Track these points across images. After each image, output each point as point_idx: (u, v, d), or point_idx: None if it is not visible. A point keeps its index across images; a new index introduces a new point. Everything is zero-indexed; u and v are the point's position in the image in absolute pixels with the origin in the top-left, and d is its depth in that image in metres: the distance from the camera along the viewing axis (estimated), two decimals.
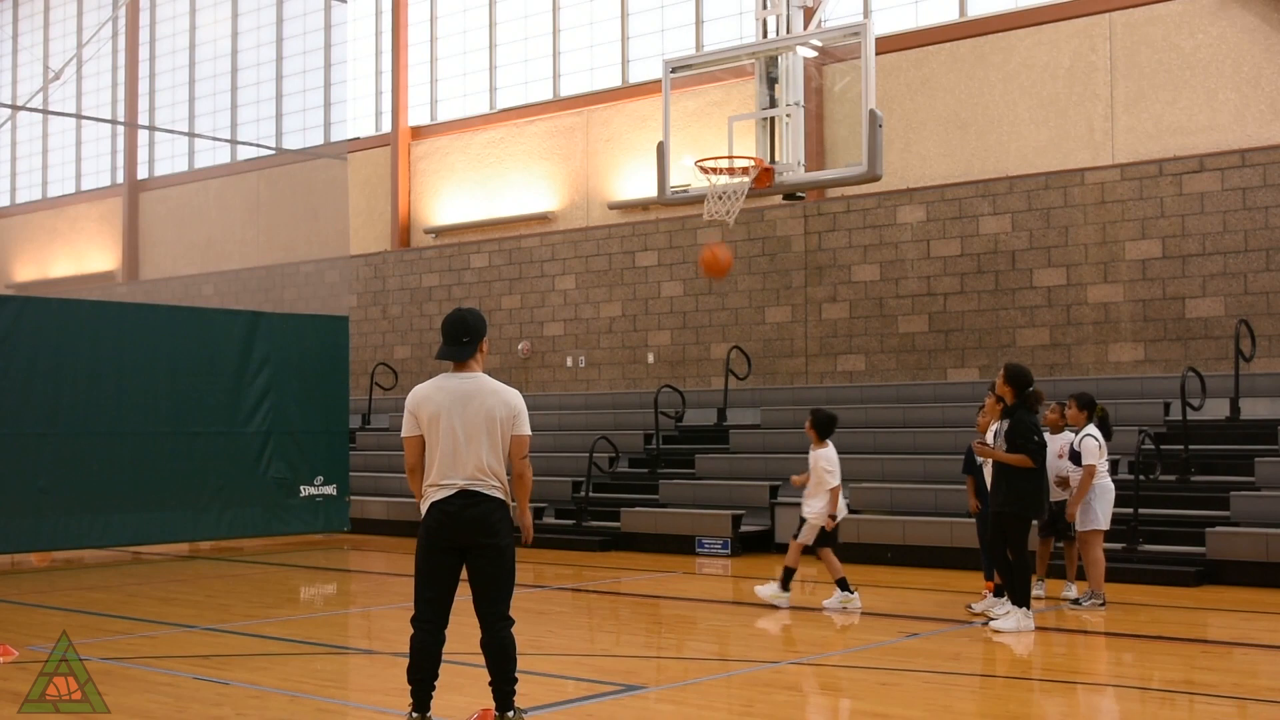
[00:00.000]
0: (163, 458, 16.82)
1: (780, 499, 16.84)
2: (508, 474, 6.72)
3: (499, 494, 6.63)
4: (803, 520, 11.82)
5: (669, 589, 13.85)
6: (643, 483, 18.60)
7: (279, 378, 18.06)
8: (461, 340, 6.77)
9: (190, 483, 17.06)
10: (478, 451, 6.58)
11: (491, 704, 6.93)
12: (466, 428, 6.59)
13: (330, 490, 18.45)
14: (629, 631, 11.46)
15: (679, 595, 13.51)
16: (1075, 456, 11.80)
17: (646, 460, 19.22)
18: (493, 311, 23.82)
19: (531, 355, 23.10)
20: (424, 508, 6.64)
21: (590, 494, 18.25)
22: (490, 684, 6.66)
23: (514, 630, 6.68)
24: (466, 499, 6.55)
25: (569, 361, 22.70)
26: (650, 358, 21.74)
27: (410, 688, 6.62)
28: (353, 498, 19.03)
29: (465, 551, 6.60)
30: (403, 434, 6.75)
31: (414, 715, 6.61)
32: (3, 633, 10.33)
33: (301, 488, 18.22)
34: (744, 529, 16.57)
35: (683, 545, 16.61)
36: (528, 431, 6.76)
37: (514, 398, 6.76)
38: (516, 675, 6.67)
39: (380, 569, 16.23)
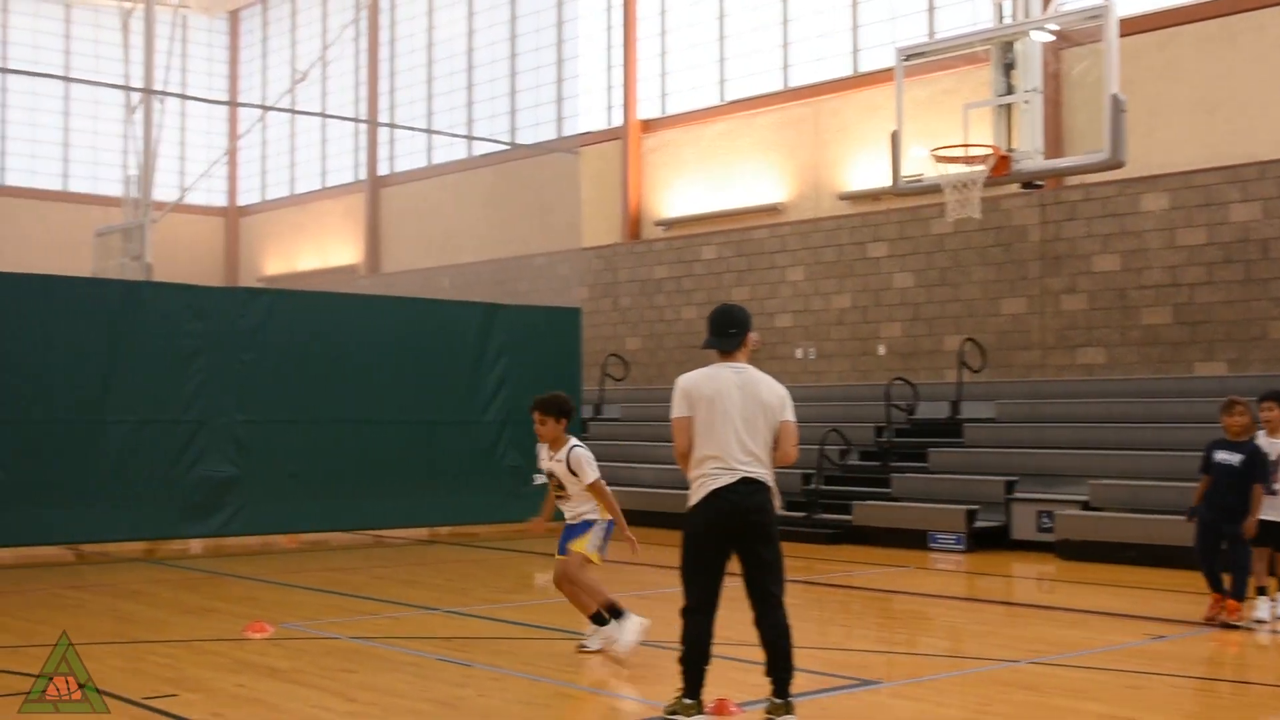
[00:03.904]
0: (404, 445, 17.37)
1: (1016, 494, 16.48)
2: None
3: (771, 482, 6.74)
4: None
5: (901, 584, 13.69)
6: (874, 476, 18.42)
7: (514, 368, 18.46)
8: (729, 331, 6.87)
9: (430, 469, 17.57)
10: (756, 440, 6.69)
11: (727, 694, 6.99)
12: (746, 416, 6.69)
13: None
14: (861, 626, 11.38)
15: (911, 590, 13.35)
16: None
17: (878, 453, 19.03)
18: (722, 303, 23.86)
19: (761, 347, 23.08)
20: (700, 493, 6.68)
21: (821, 486, 18.16)
22: (767, 670, 6.70)
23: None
24: (749, 486, 6.64)
25: (799, 353, 22.61)
26: (881, 350, 21.48)
27: (683, 673, 6.71)
28: None
29: (738, 538, 6.67)
30: (673, 415, 6.78)
31: (686, 700, 6.70)
32: (258, 610, 10.82)
33: (534, 476, 18.48)
34: (978, 524, 16.26)
35: (915, 540, 16.39)
36: (795, 419, 6.86)
37: (781, 388, 6.88)
38: (794, 662, 6.71)
39: (611, 556, 16.38)
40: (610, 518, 8.78)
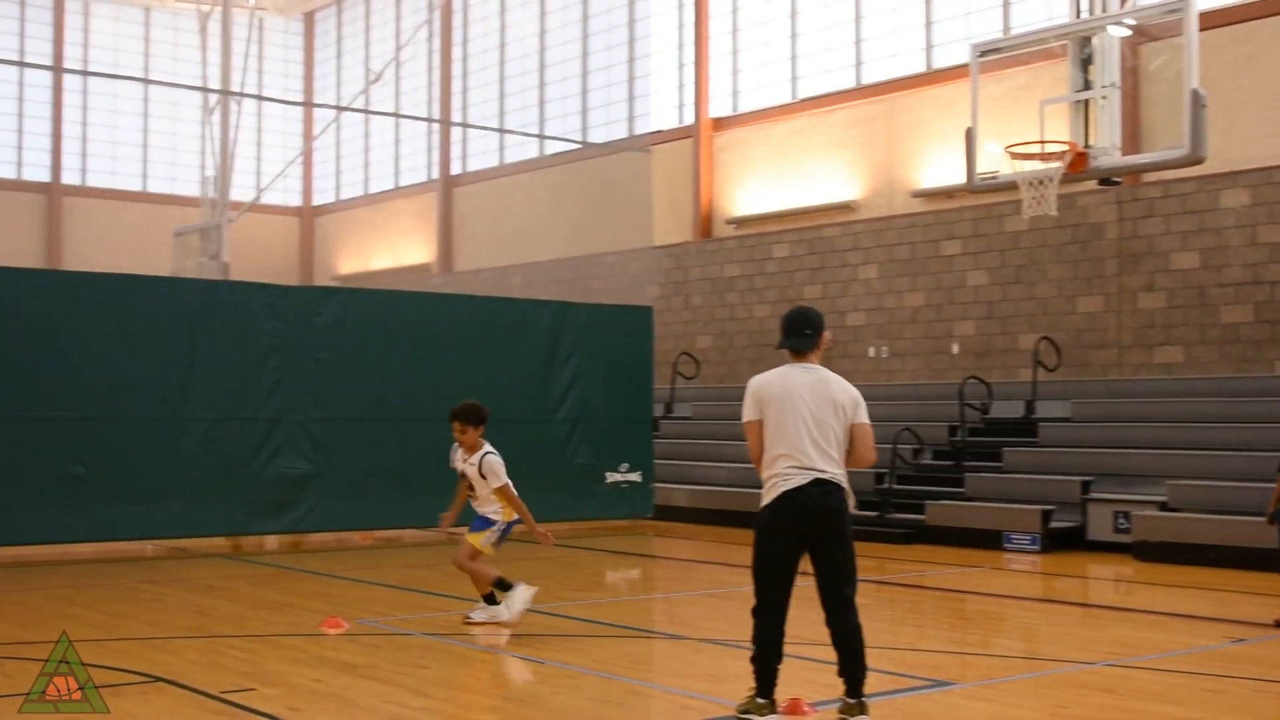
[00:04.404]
0: None
1: (1092, 495, 16.28)
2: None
3: (844, 483, 6.74)
4: None
5: (975, 584, 13.57)
6: (947, 475, 18.29)
7: (586, 367, 18.51)
8: (804, 332, 6.89)
9: None
10: (828, 439, 6.69)
11: (800, 694, 6.97)
12: (816, 416, 6.70)
13: (635, 477, 18.80)
14: (934, 626, 11.29)
15: (985, 591, 13.24)
16: None
17: (951, 452, 18.88)
18: (794, 302, 23.80)
19: (833, 345, 22.98)
20: (772, 494, 6.71)
21: (894, 486, 18.05)
22: (839, 671, 6.70)
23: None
24: (821, 487, 6.64)
25: (871, 352, 22.49)
26: (955, 348, 21.31)
27: (755, 672, 6.73)
28: (656, 485, 19.35)
29: (810, 539, 6.68)
30: (744, 419, 6.84)
31: (759, 700, 6.71)
32: (334, 606, 10.92)
33: (607, 474, 18.62)
34: (1054, 525, 16.08)
35: (989, 540, 16.24)
36: (869, 421, 6.85)
37: (853, 389, 6.87)
38: (867, 662, 6.71)
39: (684, 555, 16.45)
40: (512, 519, 9.92)
